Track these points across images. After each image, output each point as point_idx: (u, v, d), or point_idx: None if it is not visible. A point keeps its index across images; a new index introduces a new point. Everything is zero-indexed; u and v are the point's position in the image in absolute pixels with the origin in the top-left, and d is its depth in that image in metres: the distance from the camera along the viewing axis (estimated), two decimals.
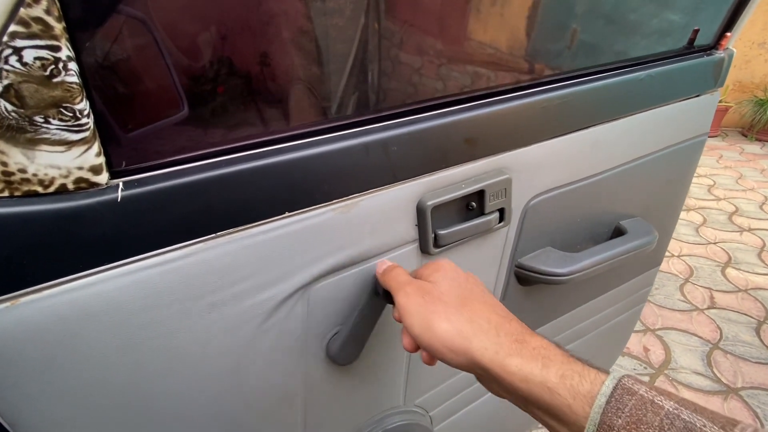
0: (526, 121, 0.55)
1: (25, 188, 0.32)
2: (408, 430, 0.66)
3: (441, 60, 0.50)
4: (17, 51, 0.27)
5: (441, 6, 0.48)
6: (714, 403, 1.53)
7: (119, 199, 0.35)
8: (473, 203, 0.55)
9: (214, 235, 0.40)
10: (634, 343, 1.84)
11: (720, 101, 4.28)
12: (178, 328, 0.40)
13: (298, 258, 0.44)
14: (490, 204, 0.55)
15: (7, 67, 0.27)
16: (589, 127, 0.61)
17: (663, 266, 2.35)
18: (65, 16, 0.28)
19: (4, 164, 0.30)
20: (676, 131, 0.74)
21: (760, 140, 4.17)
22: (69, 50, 0.29)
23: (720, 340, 1.82)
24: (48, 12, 0.27)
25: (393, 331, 0.57)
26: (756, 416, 1.48)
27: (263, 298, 0.44)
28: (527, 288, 0.69)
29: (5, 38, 0.27)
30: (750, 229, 2.67)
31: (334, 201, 0.44)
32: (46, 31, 0.28)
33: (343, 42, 0.44)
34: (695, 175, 3.49)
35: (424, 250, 0.53)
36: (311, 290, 0.47)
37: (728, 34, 0.71)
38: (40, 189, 0.32)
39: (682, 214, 2.91)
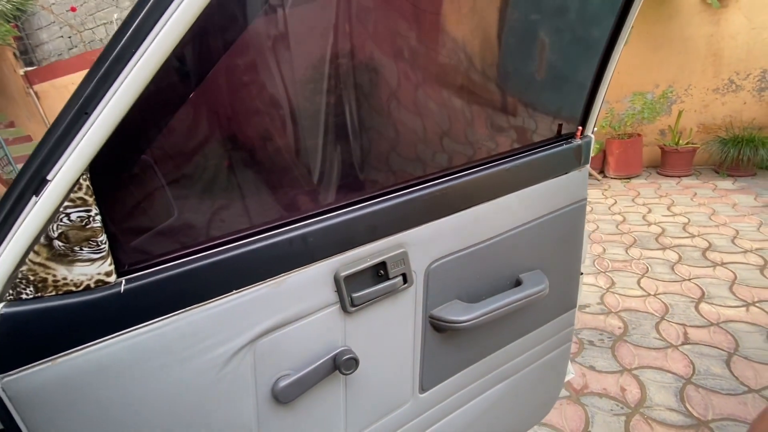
0: (415, 208, 0.76)
1: (65, 289, 0.53)
2: None
3: (345, 173, 0.73)
4: (68, 215, 0.50)
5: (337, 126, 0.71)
6: None
7: (122, 291, 0.55)
8: (381, 271, 0.75)
9: (185, 309, 0.59)
10: (612, 383, 1.92)
11: (687, 143, 4.59)
12: (160, 376, 0.59)
13: (243, 322, 0.63)
14: (393, 271, 0.75)
15: (61, 224, 0.50)
16: (471, 207, 0.82)
17: (640, 306, 2.46)
18: (94, 192, 0.51)
19: (54, 276, 0.51)
20: (554, 201, 0.95)
21: (731, 176, 4.39)
22: (95, 209, 0.51)
23: (693, 374, 1.90)
24: (86, 193, 0.50)
25: (331, 379, 0.74)
26: None
27: (220, 352, 0.63)
28: (445, 335, 0.86)
29: (61, 209, 0.49)
30: (722, 263, 2.79)
31: (268, 279, 0.65)
32: (84, 203, 0.50)
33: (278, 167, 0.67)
34: (671, 214, 3.69)
35: (344, 309, 0.72)
36: (256, 345, 0.65)
37: (580, 127, 0.94)
38: (74, 288, 0.53)
39: (659, 253, 3.05)
